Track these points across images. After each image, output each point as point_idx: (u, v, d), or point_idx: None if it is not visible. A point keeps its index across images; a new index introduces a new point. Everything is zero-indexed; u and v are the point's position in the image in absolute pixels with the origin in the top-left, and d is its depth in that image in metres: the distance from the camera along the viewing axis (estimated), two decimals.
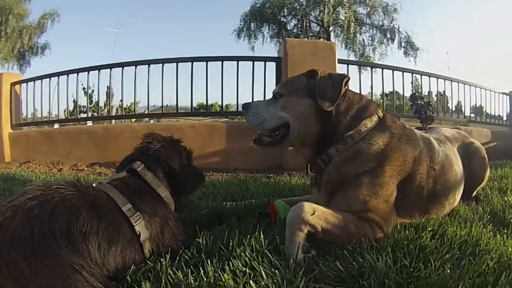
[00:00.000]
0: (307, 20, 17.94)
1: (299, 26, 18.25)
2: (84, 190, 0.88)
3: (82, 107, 5.74)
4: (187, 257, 0.93)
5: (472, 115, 6.23)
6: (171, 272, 0.83)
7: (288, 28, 18.31)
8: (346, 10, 17.08)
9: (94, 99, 5.78)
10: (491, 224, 1.28)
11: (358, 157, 1.19)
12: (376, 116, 1.28)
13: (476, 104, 5.88)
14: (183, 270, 0.84)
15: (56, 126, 5.23)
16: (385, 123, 1.28)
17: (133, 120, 5.26)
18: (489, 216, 1.43)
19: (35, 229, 0.72)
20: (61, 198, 0.80)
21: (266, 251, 0.95)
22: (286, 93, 1.28)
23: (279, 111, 1.25)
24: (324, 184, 1.23)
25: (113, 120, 5.32)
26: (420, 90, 5.23)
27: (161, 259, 0.90)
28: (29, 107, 4.98)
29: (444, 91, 5.39)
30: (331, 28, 17.79)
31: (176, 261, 0.91)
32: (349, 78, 1.24)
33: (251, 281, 0.76)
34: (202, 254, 0.94)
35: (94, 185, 0.94)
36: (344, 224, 1.06)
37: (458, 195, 1.53)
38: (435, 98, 5.25)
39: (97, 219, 0.80)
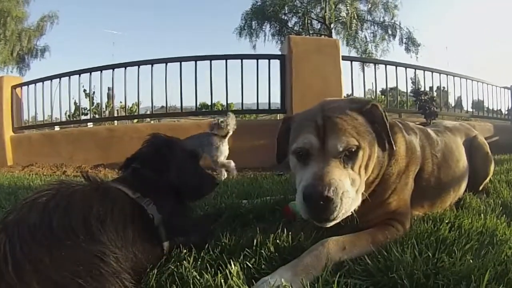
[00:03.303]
0: (309, 18, 17.85)
1: (300, 23, 18.12)
2: (95, 182, 0.91)
3: (83, 109, 5.71)
4: (208, 258, 0.92)
5: (472, 110, 6.24)
6: (196, 274, 0.81)
7: (290, 25, 18.22)
8: (347, 7, 17.01)
9: (96, 100, 5.76)
10: (504, 216, 1.30)
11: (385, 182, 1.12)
12: None
13: (477, 99, 5.91)
14: (209, 271, 0.83)
15: (57, 128, 5.21)
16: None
17: (135, 121, 5.24)
18: (501, 208, 1.44)
19: (54, 222, 0.72)
20: (74, 191, 0.83)
21: (291, 249, 0.94)
22: (363, 144, 0.97)
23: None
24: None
25: (116, 122, 5.30)
26: (420, 86, 5.24)
27: (184, 261, 0.88)
28: (30, 110, 4.97)
29: (443, 86, 5.40)
30: (332, 25, 17.73)
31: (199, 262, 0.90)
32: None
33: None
34: (224, 255, 0.92)
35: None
36: (372, 239, 1.00)
37: (464, 182, 1.53)
38: (435, 93, 5.27)
39: (110, 206, 0.82)
